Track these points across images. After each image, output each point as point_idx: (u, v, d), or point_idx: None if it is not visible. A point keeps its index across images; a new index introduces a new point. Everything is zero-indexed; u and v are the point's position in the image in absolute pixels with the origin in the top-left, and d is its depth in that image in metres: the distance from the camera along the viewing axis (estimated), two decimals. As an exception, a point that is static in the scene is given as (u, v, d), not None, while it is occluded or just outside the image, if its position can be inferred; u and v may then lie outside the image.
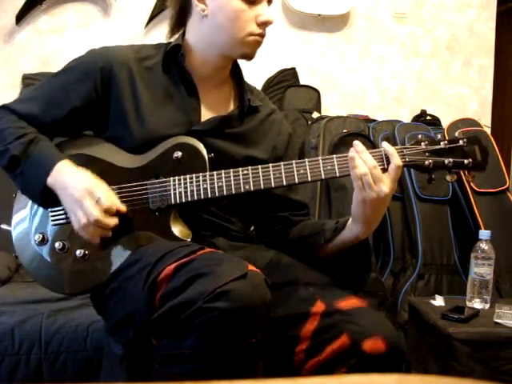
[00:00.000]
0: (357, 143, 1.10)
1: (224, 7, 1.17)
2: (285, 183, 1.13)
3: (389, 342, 1.00)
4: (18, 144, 1.17)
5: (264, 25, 1.18)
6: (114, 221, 1.11)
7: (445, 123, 2.53)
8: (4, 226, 1.29)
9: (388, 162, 1.10)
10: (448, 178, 1.14)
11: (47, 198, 1.16)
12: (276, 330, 0.99)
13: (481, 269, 1.73)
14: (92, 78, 1.20)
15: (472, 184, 2.20)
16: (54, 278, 1.21)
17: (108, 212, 1.11)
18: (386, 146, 1.11)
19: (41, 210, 1.23)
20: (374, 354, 0.99)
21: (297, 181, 1.12)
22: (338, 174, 1.12)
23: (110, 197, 1.12)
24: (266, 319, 0.95)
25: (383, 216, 1.15)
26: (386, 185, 1.07)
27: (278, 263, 1.23)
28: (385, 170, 1.09)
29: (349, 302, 1.08)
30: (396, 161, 1.08)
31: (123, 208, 1.14)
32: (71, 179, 1.13)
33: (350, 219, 1.17)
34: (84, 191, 1.10)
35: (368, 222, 1.13)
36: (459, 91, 2.98)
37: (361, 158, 1.08)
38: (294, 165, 1.12)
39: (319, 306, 1.07)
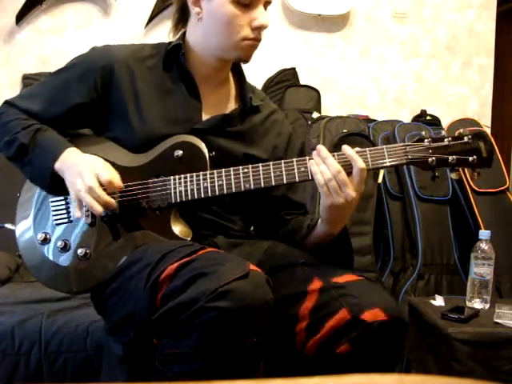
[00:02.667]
0: (320, 148, 1.09)
1: (217, 12, 1.15)
2: (285, 181, 1.12)
3: (389, 312, 1.00)
4: (25, 133, 1.18)
5: (258, 29, 1.16)
6: (108, 198, 1.12)
7: (445, 123, 2.53)
8: (8, 226, 1.29)
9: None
10: (453, 175, 1.12)
11: (55, 185, 1.17)
12: (275, 312, 0.98)
13: (481, 269, 1.73)
14: (93, 77, 1.20)
15: (472, 184, 2.20)
16: (56, 277, 1.21)
17: (107, 187, 1.12)
18: (346, 149, 1.08)
19: (44, 209, 1.23)
20: (375, 323, 0.99)
21: (297, 179, 1.12)
22: None
23: (111, 174, 1.13)
24: (268, 319, 0.95)
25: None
26: (351, 189, 1.07)
27: (275, 249, 1.24)
28: (350, 174, 1.08)
29: (345, 277, 1.08)
30: (359, 164, 1.06)
31: (120, 184, 1.14)
32: (79, 159, 1.15)
33: (320, 219, 1.18)
34: (88, 164, 1.13)
35: (335, 223, 1.16)
36: (459, 91, 2.98)
37: (325, 164, 1.07)
38: (295, 163, 1.12)
39: (316, 284, 1.07)
